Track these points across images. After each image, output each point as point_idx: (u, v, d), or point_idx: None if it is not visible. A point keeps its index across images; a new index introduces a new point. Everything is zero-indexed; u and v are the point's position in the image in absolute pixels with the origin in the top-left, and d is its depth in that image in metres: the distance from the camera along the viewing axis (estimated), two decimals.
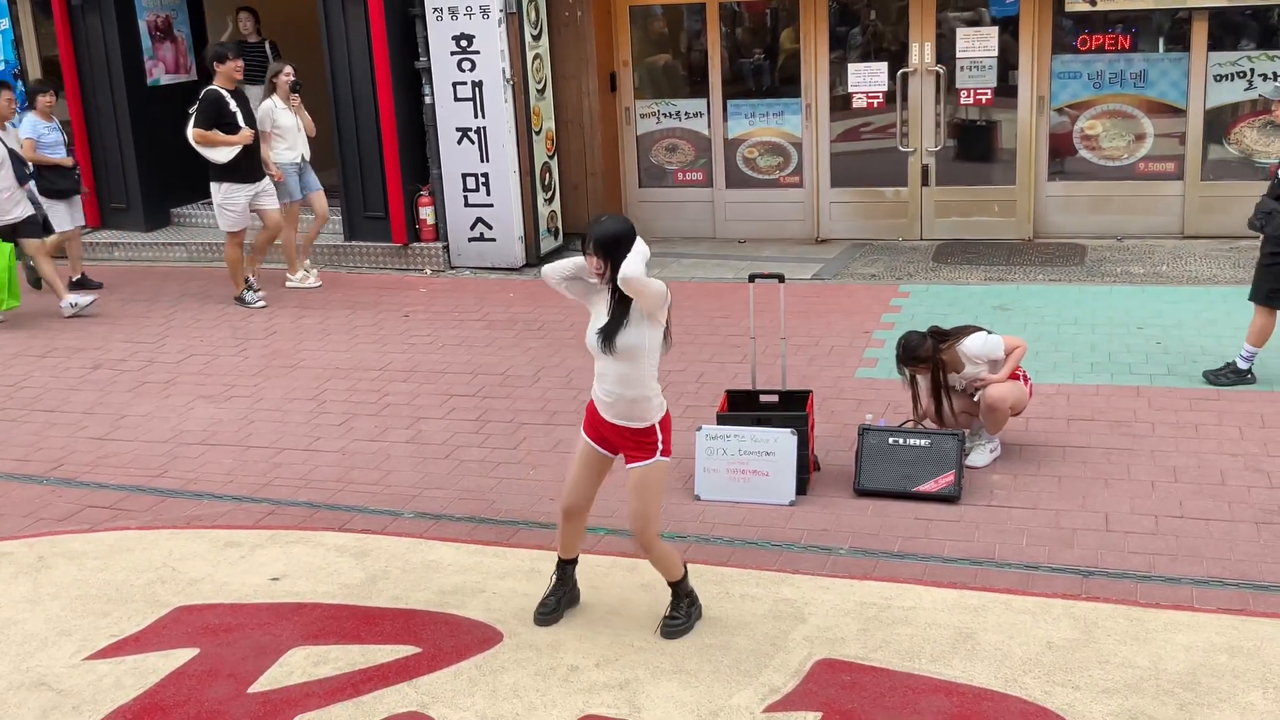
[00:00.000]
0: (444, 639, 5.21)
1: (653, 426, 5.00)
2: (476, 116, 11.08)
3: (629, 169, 12.25)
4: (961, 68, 11.19)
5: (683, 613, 5.18)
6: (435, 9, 10.95)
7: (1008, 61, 11.12)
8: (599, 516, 6.31)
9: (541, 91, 11.42)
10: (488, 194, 11.24)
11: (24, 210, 10.23)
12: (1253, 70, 10.65)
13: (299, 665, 5.06)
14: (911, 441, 6.42)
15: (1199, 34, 10.69)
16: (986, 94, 11.24)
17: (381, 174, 11.50)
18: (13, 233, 10.18)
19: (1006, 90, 11.21)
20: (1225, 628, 5.00)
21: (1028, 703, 4.58)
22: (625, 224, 4.89)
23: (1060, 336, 8.65)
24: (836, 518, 6.18)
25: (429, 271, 11.50)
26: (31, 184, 10.57)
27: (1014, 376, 6.66)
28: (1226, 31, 10.76)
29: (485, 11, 10.80)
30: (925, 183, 11.51)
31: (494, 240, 11.31)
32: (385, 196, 11.54)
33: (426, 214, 11.56)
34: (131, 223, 12.90)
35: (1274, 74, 10.60)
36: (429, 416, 7.87)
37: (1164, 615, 5.11)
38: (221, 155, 10.21)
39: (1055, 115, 11.14)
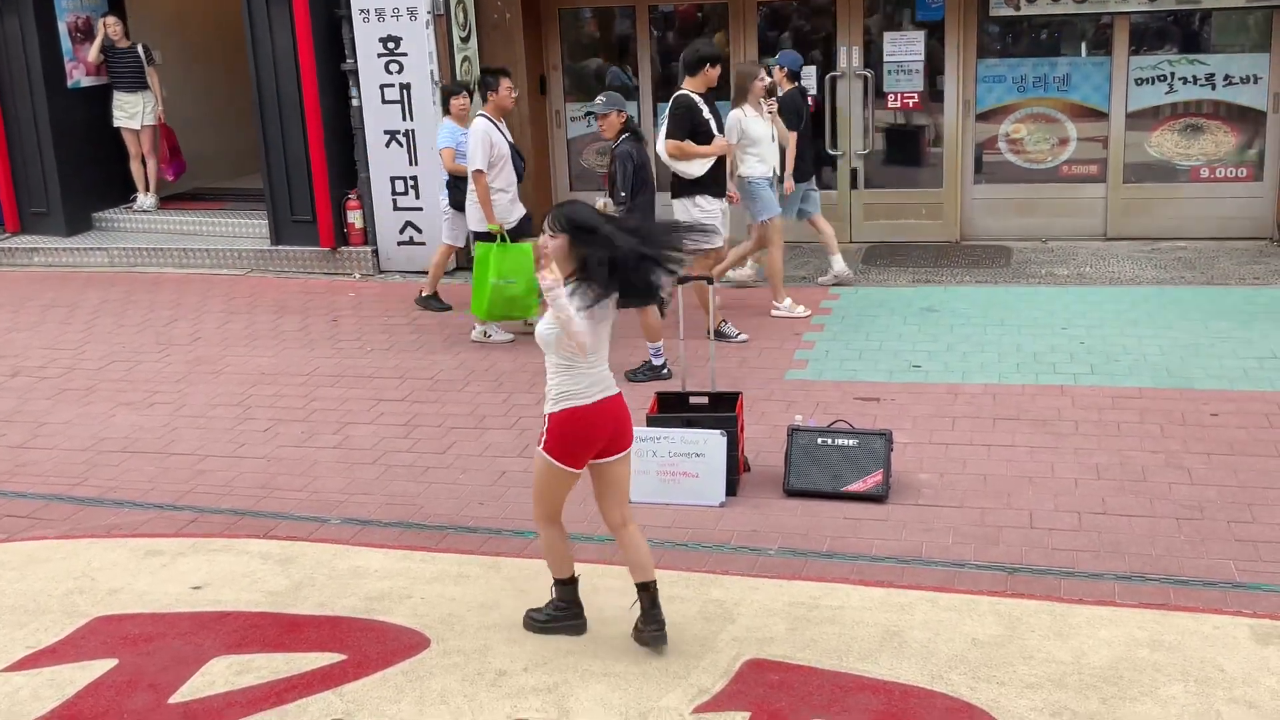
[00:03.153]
0: (370, 645, 5.15)
1: (545, 415, 4.92)
2: (405, 119, 10.99)
3: (559, 172, 12.22)
4: (889, 72, 11.29)
5: (544, 613, 5.19)
6: (362, 10, 10.85)
7: (934, 66, 11.23)
8: (528, 520, 6.28)
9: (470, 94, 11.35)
10: (417, 197, 11.15)
11: (520, 210, 9.14)
12: (1173, 74, 10.84)
13: (221, 675, 4.97)
14: (840, 442, 6.45)
15: (1121, 38, 10.87)
16: (914, 98, 11.34)
17: (308, 177, 11.36)
18: (512, 236, 8.97)
19: (933, 94, 11.32)
20: (1147, 622, 5.07)
21: (953, 699, 4.60)
22: (586, 208, 4.90)
23: (986, 337, 8.73)
24: (766, 518, 6.19)
25: (357, 276, 11.39)
26: (443, 198, 9.84)
27: None
28: (1148, 36, 10.94)
29: (413, 13, 10.72)
30: (854, 186, 11.58)
31: (423, 244, 11.21)
32: (312, 200, 11.41)
33: (354, 218, 11.44)
34: (52, 227, 12.64)
35: (1194, 77, 10.80)
36: (357, 422, 7.79)
37: (1087, 611, 5.17)
38: (695, 169, 8.70)
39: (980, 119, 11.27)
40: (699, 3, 11.83)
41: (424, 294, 10.16)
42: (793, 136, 9.86)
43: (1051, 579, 5.46)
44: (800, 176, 9.97)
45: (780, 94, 9.90)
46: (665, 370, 8.25)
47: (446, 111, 9.84)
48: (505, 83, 9.01)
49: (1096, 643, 4.92)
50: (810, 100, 10.48)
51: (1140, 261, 10.49)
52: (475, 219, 9.02)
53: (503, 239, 8.83)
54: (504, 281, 8.77)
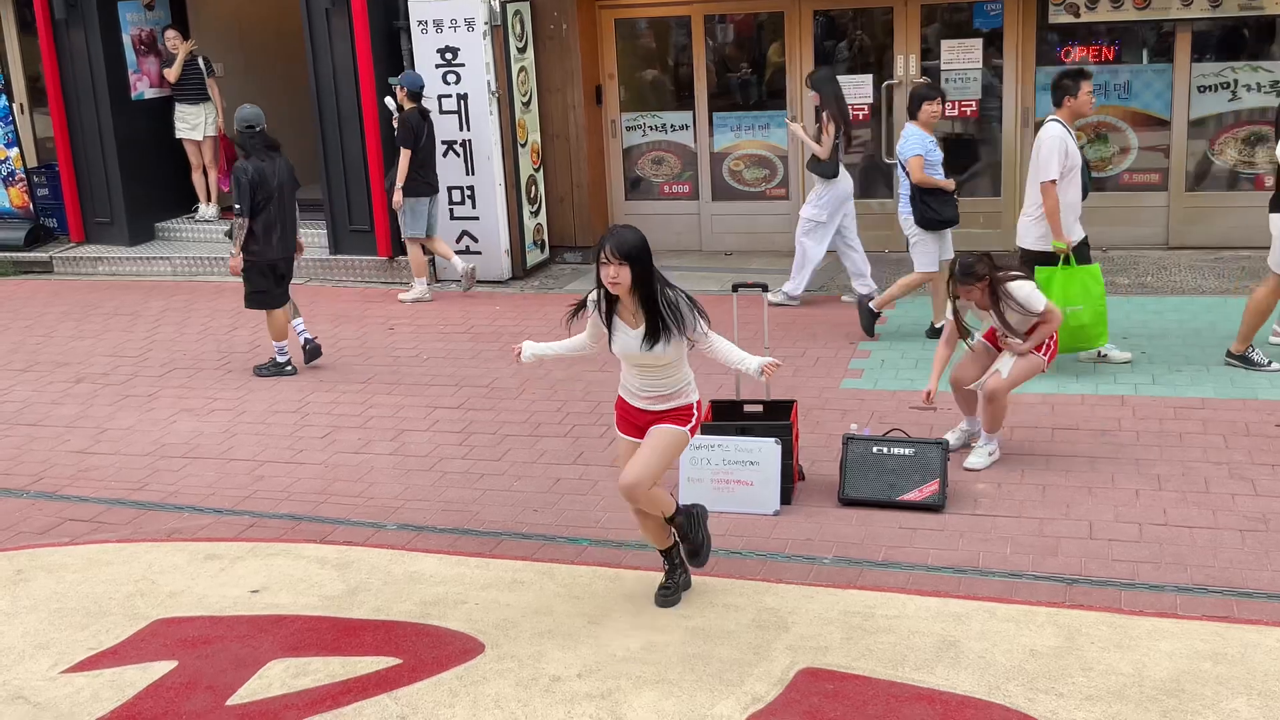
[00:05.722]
0: (425, 650, 5.17)
1: (689, 404, 5.23)
2: (462, 129, 11.07)
3: (615, 182, 12.25)
4: (946, 80, 11.21)
5: (676, 580, 5.47)
6: (420, 22, 10.95)
7: (992, 74, 11.15)
8: (582, 527, 6.31)
9: (527, 104, 11.42)
10: (473, 207, 11.23)
11: (1081, 231, 8.15)
12: (1236, 81, 10.69)
13: (278, 677, 5.02)
14: (896, 451, 6.41)
15: (1183, 46, 10.73)
16: (971, 106, 11.26)
17: (367, 187, 11.48)
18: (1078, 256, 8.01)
19: (991, 102, 11.23)
20: (1209, 635, 4.98)
21: (1011, 710, 4.55)
22: (639, 233, 5.04)
23: None
24: (820, 527, 6.15)
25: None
26: (905, 212, 8.83)
27: (1037, 348, 6.67)
28: (1210, 43, 10.79)
29: (470, 24, 10.81)
30: None
31: (480, 253, 11.29)
32: (370, 210, 11.52)
33: None
34: (115, 237, 12.86)
35: (1257, 84, 10.66)
36: (413, 429, 7.84)
37: (1148, 623, 5.09)
38: None
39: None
40: (755, 12, 11.82)
41: (935, 325, 9.00)
42: (406, 154, 10.43)
43: (1111, 590, 5.39)
44: (422, 191, 10.61)
45: (397, 112, 10.63)
46: (289, 367, 9.00)
47: (913, 116, 8.79)
48: (1086, 86, 8.05)
49: (1158, 655, 4.85)
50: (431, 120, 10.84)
51: (1202, 271, 10.34)
52: (1033, 237, 8.08)
53: (1067, 260, 7.92)
54: (1070, 309, 7.72)
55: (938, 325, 8.95)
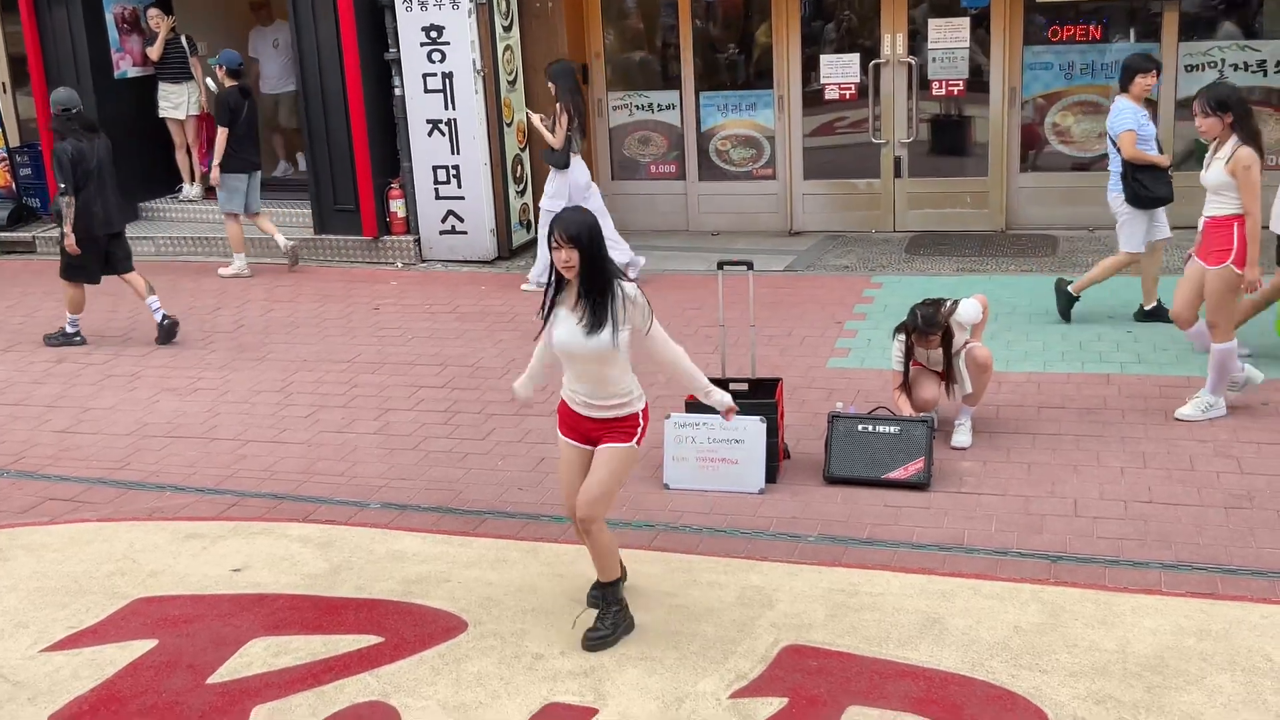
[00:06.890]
0: (407, 628, 5.15)
1: (635, 414, 4.91)
2: (447, 108, 11.00)
3: (601, 161, 12.18)
4: (933, 59, 11.17)
5: (608, 624, 4.94)
6: None
7: (980, 53, 11.11)
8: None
9: (513, 83, 11.35)
10: (459, 186, 11.17)
11: None
12: (1224, 60, 10.67)
13: (258, 656, 4.99)
14: (881, 429, 6.39)
15: (1170, 24, 10.70)
16: (958, 85, 11.22)
17: (351, 166, 11.41)
18: None
19: (978, 82, 11.19)
20: (1194, 611, 4.98)
21: (994, 686, 4.54)
22: (590, 215, 4.85)
23: (1032, 326, 8.63)
24: (806, 505, 6.14)
25: (399, 265, 11.43)
26: (1115, 189, 8.39)
27: None
28: (1197, 22, 10.76)
29: (455, 2, 10.72)
30: (898, 174, 11.48)
31: (465, 233, 11.24)
32: (355, 189, 11.45)
33: (397, 207, 11.48)
34: None
35: (1245, 63, 10.64)
36: (397, 408, 7.80)
37: (1132, 599, 5.09)
38: None
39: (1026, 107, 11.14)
40: None
41: (1145, 307, 8.67)
42: (224, 132, 10.84)
43: (1096, 567, 5.38)
44: (241, 168, 10.99)
45: (218, 91, 11.00)
46: (78, 338, 9.38)
47: (1124, 89, 8.31)
48: None
49: (1142, 631, 4.84)
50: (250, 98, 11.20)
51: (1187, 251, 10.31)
52: None
53: None
54: None
55: (1148, 308, 8.67)
